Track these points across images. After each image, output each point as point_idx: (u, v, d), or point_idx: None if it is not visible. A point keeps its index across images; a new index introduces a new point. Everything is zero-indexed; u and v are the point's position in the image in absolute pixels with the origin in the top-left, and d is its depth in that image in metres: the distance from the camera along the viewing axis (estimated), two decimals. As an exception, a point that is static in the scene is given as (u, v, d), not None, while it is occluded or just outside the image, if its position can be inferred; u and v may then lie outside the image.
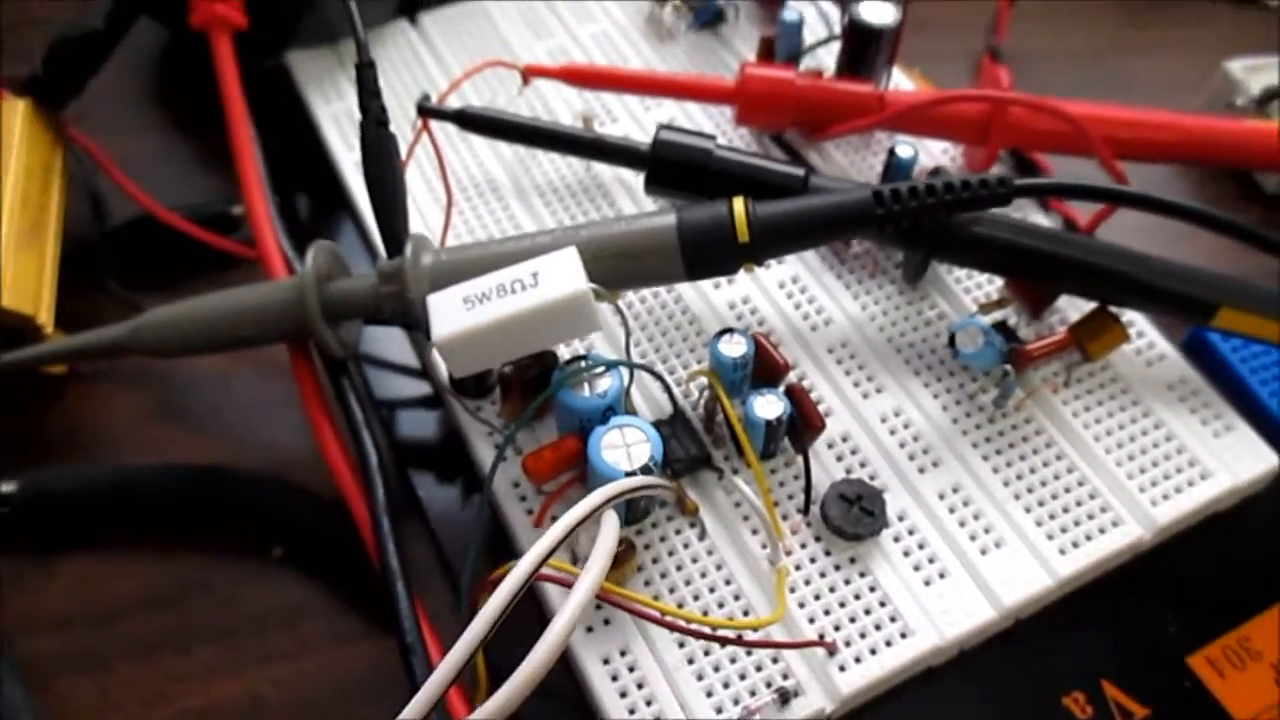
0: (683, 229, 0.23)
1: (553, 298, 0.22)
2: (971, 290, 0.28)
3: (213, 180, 0.34)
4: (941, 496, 0.25)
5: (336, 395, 0.25)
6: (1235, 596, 0.25)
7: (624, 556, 0.22)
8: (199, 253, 0.31)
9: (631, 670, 0.22)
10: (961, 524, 0.24)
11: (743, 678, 0.22)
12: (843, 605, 0.23)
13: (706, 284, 0.28)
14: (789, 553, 0.23)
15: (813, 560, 0.23)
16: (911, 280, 0.27)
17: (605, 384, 0.23)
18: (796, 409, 0.24)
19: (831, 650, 0.22)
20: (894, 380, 0.26)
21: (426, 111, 0.27)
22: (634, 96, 0.32)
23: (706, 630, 0.21)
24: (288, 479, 0.27)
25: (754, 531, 0.24)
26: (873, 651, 0.22)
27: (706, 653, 0.22)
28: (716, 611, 0.23)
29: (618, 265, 0.23)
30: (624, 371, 0.23)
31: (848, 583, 0.23)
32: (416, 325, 0.24)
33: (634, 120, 0.32)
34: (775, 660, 0.22)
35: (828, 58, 0.32)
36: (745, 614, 0.23)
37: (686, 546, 0.24)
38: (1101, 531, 0.24)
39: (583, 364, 0.23)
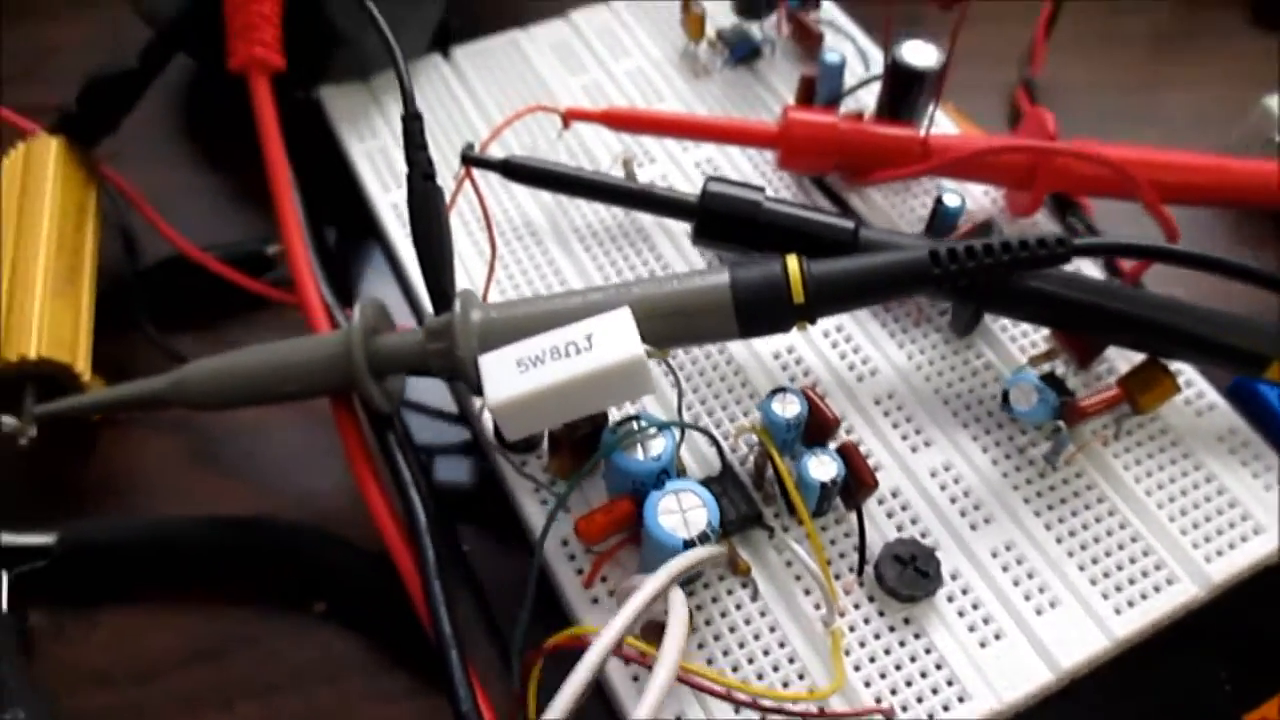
0: (737, 289, 0.23)
1: (608, 363, 0.21)
2: (1018, 339, 0.28)
3: (247, 215, 0.33)
4: (995, 555, 0.24)
5: (381, 450, 0.25)
6: (1290, 655, 0.25)
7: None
8: (234, 292, 0.31)
9: (688, 738, 0.22)
10: (1016, 583, 0.24)
11: (800, 746, 0.22)
12: (899, 668, 0.23)
13: (751, 333, 0.28)
14: (842, 614, 0.23)
15: (867, 621, 0.23)
16: (961, 333, 0.27)
17: (658, 446, 0.23)
18: (849, 468, 0.23)
19: (889, 718, 0.22)
20: (942, 433, 0.26)
21: (471, 161, 0.27)
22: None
23: (769, 704, 0.21)
24: (329, 530, 0.27)
25: (807, 592, 0.23)
26: (930, 717, 0.22)
27: (764, 720, 0.22)
28: (772, 675, 0.22)
29: (670, 324, 0.23)
30: (675, 431, 0.23)
31: (903, 645, 0.23)
32: (465, 381, 0.24)
33: (672, 160, 0.32)
34: (833, 727, 0.22)
35: (868, 96, 0.32)
36: (801, 678, 0.22)
37: (739, 608, 0.23)
38: (1156, 590, 0.24)
39: (635, 425, 0.23)
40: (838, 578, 0.24)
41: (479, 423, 0.27)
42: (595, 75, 0.34)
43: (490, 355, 0.22)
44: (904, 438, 0.26)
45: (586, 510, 0.23)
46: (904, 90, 0.30)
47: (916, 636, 0.23)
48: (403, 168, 0.26)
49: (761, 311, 0.23)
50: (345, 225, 0.32)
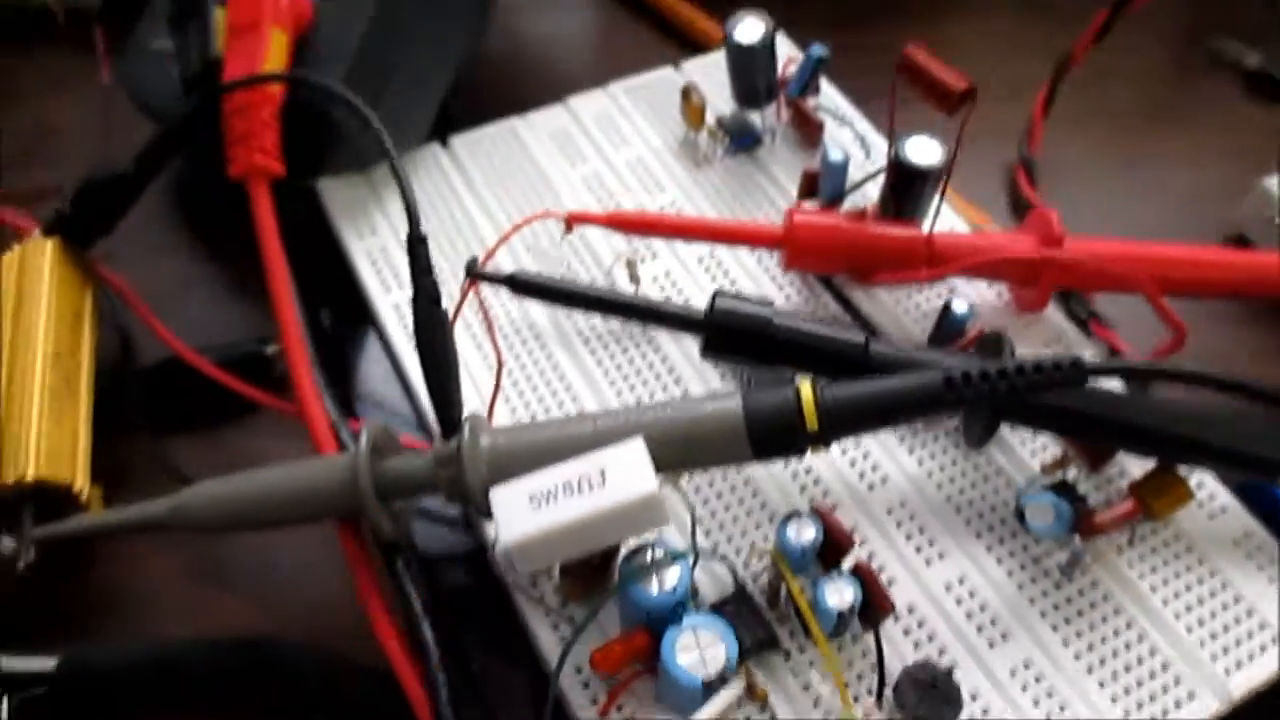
0: (749, 416, 0.22)
1: (623, 500, 0.21)
2: (1028, 442, 0.28)
3: (245, 307, 0.33)
4: (1013, 673, 0.24)
5: (390, 577, 0.24)
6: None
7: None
8: (234, 394, 0.30)
9: None
10: (1036, 703, 0.24)
11: None
12: (921, 798, 0.22)
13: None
14: (862, 741, 0.23)
15: (887, 749, 0.23)
16: (975, 444, 0.27)
17: (673, 577, 0.22)
18: (866, 591, 0.23)
19: None
20: (956, 544, 0.26)
21: (477, 276, 0.27)
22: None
23: None
24: (335, 647, 0.26)
25: (825, 717, 0.23)
26: None
27: None
28: (792, 810, 0.22)
29: (682, 452, 0.23)
30: (690, 557, 0.23)
31: (924, 773, 0.23)
32: (474, 507, 0.23)
33: (675, 256, 0.31)
34: None
35: (872, 186, 0.32)
36: (821, 811, 0.22)
37: (758, 737, 0.23)
38: (1177, 705, 0.24)
39: (649, 555, 0.22)
40: (856, 700, 0.24)
41: (489, 543, 0.26)
42: (595, 165, 0.34)
43: (502, 490, 0.22)
44: (918, 550, 0.26)
45: (599, 636, 0.23)
46: (907, 186, 0.29)
47: (938, 763, 0.23)
48: (404, 267, 0.25)
49: (775, 438, 0.23)
50: (341, 308, 0.32)
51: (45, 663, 0.26)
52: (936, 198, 0.29)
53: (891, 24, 0.43)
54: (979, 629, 0.25)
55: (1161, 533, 0.26)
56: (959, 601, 0.25)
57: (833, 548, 0.24)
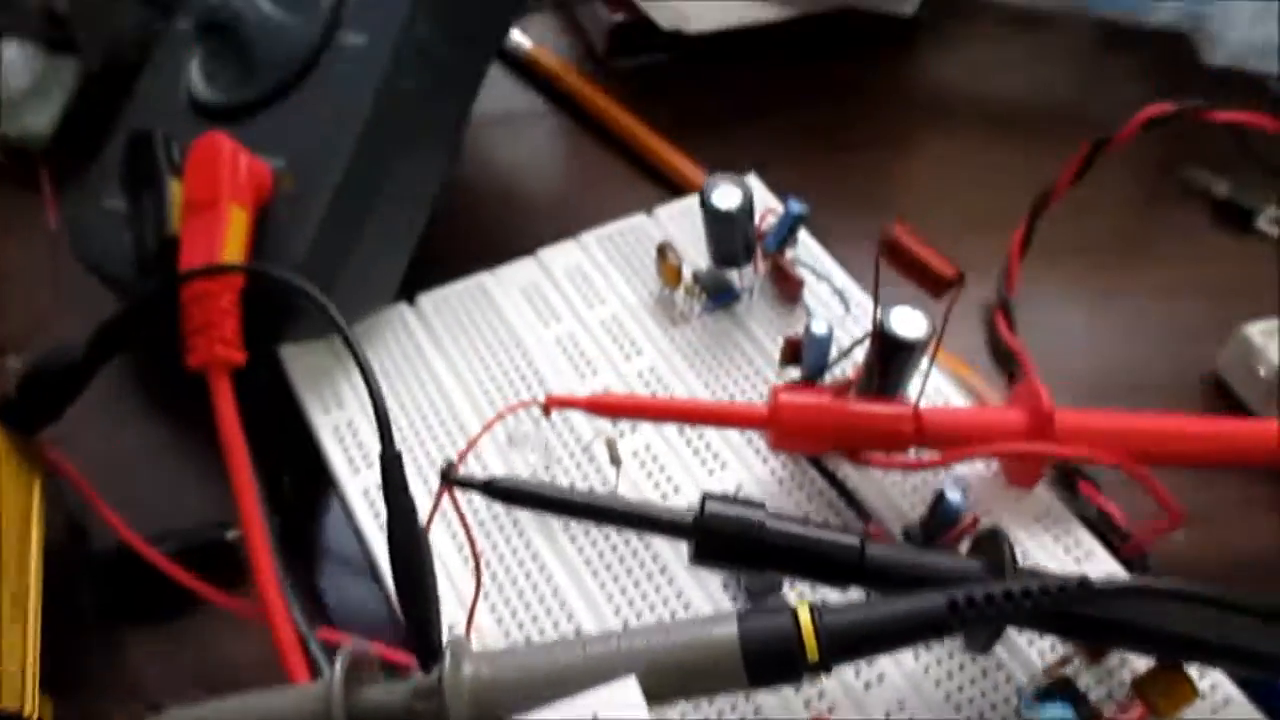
0: (746, 646, 0.21)
1: (618, 755, 0.20)
2: (1031, 635, 0.27)
3: (207, 488, 0.31)
4: None
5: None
6: None
7: None
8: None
9: None
10: None
11: None
12: None
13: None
14: None
15: None
16: (978, 650, 0.26)
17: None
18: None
19: None
20: (959, 750, 0.25)
21: (452, 482, 0.25)
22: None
23: None
24: None
25: None
26: None
27: None
28: None
29: (676, 681, 0.21)
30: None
31: None
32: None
33: (656, 429, 0.30)
34: None
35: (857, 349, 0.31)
36: None
37: None
38: None
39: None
40: None
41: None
42: (569, 325, 0.33)
43: (488, 738, 0.20)
44: (920, 758, 0.25)
45: None
46: (892, 357, 0.29)
47: None
48: (374, 445, 0.24)
49: (773, 669, 0.21)
50: (305, 472, 0.31)
51: None
52: (923, 369, 0.29)
53: (860, 145, 0.43)
54: None
55: (1167, 729, 0.26)
56: (965, 816, 0.24)
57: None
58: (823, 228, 0.36)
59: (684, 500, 0.29)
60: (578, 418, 0.30)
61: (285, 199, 0.30)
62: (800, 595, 0.27)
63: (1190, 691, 0.25)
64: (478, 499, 0.28)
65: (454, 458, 0.27)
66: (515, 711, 0.21)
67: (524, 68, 0.44)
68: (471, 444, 0.27)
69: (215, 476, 0.30)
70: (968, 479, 0.29)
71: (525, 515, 0.29)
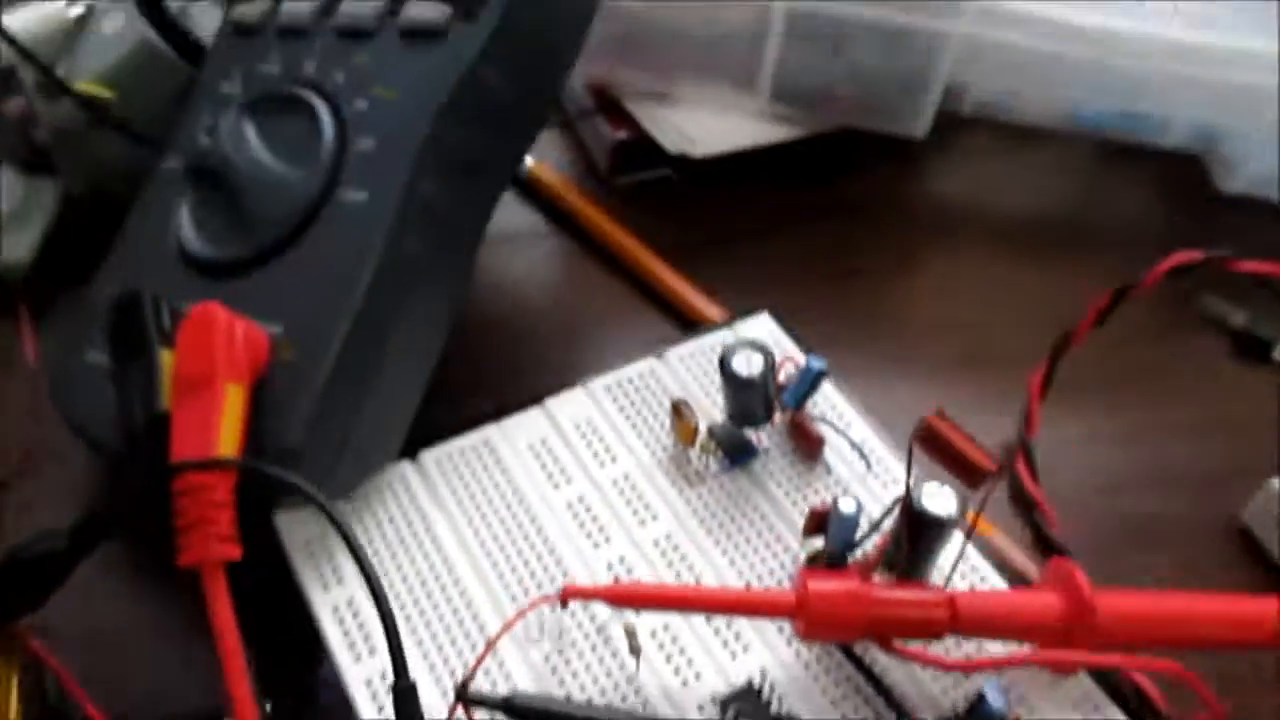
0: None
1: None
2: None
3: (194, 670, 0.29)
4: None
5: None
6: None
7: None
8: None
9: None
10: None
11: None
12: None
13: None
14: None
15: None
16: None
17: None
18: None
19: None
20: None
21: (470, 701, 0.24)
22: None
23: None
24: None
25: None
26: None
27: None
28: None
29: None
30: None
31: None
32: None
33: (681, 614, 0.29)
34: None
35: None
36: None
37: None
38: None
39: None
40: None
41: None
42: (579, 486, 0.31)
43: None
44: None
45: None
46: (922, 533, 0.28)
47: None
48: (377, 626, 0.23)
49: None
50: (299, 652, 0.29)
51: None
52: (957, 551, 0.27)
53: (866, 267, 0.42)
54: None
55: None
56: None
57: None
58: (830, 354, 0.34)
59: (706, 687, 0.28)
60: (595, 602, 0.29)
61: (283, 368, 0.28)
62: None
63: None
64: (484, 679, 0.27)
65: (463, 646, 0.25)
66: None
67: (524, 185, 0.43)
68: (485, 652, 0.25)
69: (206, 659, 0.28)
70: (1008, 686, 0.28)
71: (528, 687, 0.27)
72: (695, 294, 0.39)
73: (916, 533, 0.28)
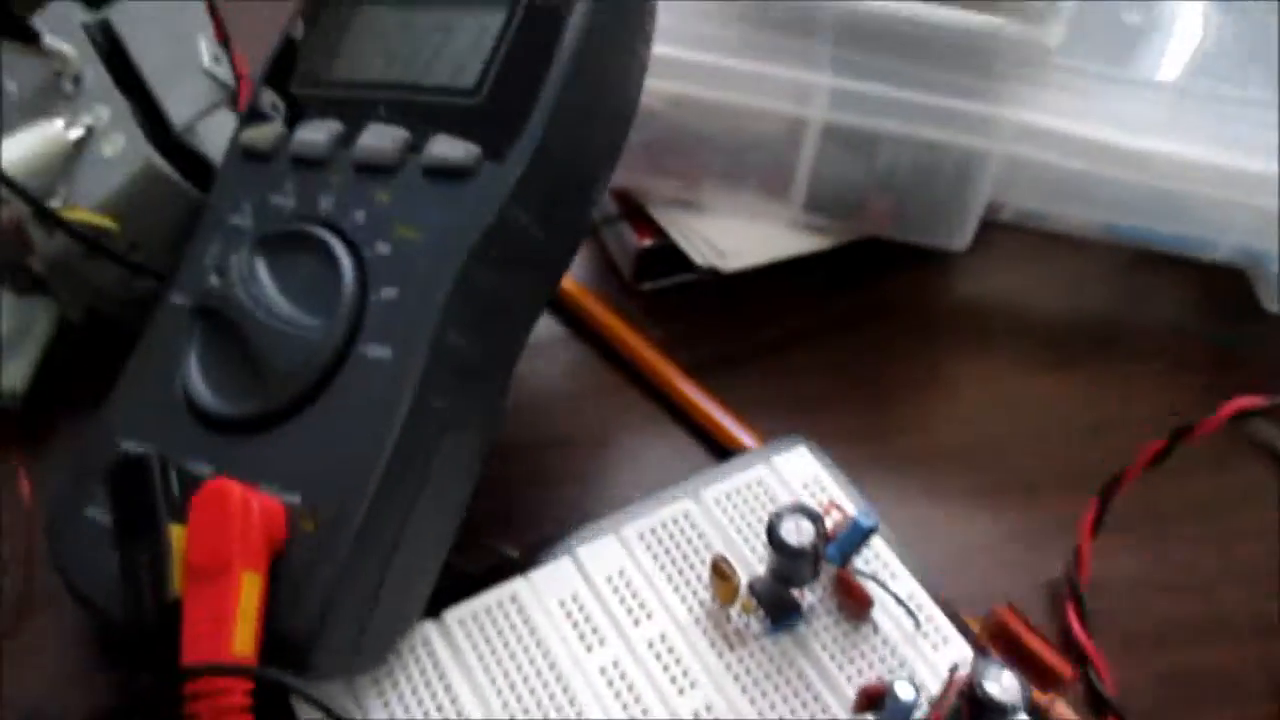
0: None
1: None
2: None
3: None
4: None
5: None
6: None
7: None
8: None
9: None
10: None
11: None
12: None
13: None
14: None
15: None
16: None
17: None
18: None
19: None
20: None
21: None
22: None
23: None
24: None
25: None
26: None
27: None
28: None
29: None
30: None
31: None
32: None
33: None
34: None
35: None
36: None
37: None
38: None
39: None
40: None
41: None
42: (614, 649, 0.29)
43: None
44: None
45: None
46: (984, 718, 0.26)
47: None
48: None
49: None
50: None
51: None
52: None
53: (899, 379, 0.40)
54: None
55: None
56: None
57: None
58: (861, 478, 0.33)
59: None
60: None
61: (301, 542, 0.26)
62: None
63: None
64: None
65: None
66: None
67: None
68: None
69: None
70: None
71: None
72: (725, 416, 0.37)
73: (977, 716, 0.26)
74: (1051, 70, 0.37)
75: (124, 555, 0.26)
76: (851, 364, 0.40)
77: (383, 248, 0.29)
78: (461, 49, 0.31)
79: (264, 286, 0.29)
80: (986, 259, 0.41)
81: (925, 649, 0.30)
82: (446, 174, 0.29)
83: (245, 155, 0.32)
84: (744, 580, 0.30)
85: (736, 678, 0.29)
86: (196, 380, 0.29)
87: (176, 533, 0.26)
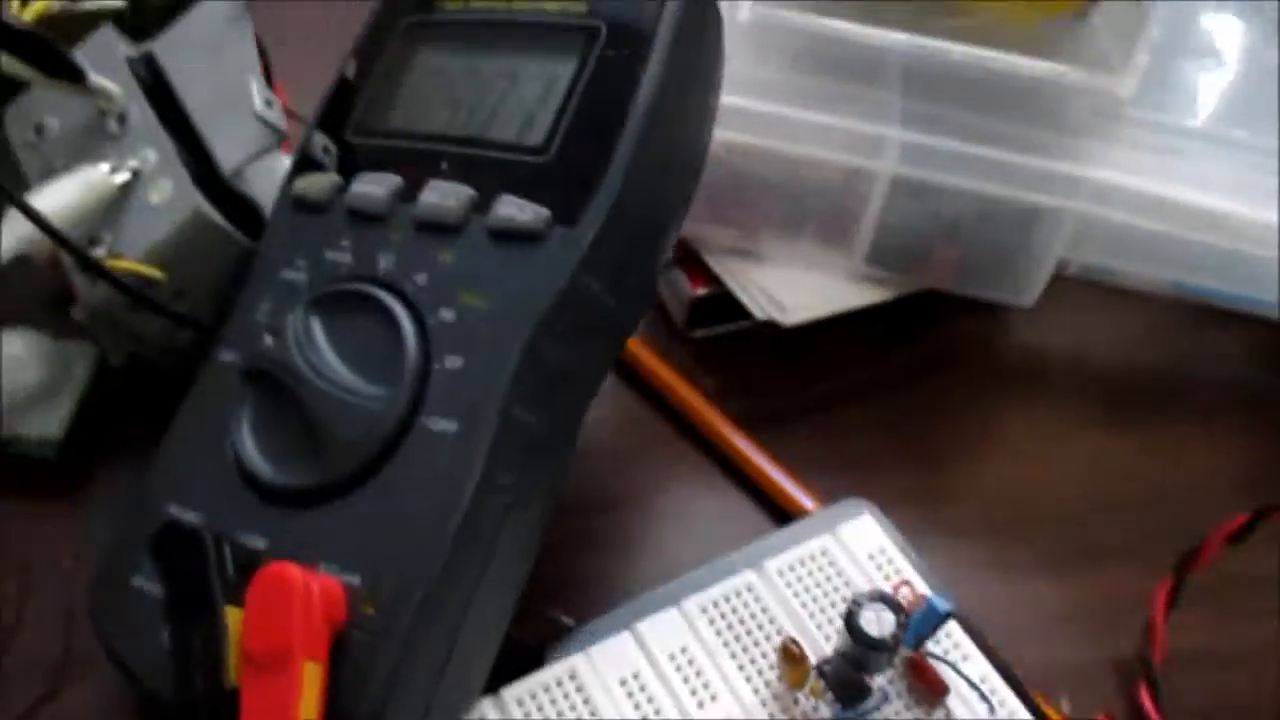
0: None
1: None
2: None
3: None
4: None
5: None
6: None
7: None
8: None
9: None
10: None
11: None
12: None
13: None
14: None
15: None
16: None
17: None
18: None
19: None
20: None
21: None
22: None
23: None
24: None
25: None
26: None
27: None
28: None
29: None
30: None
31: None
32: None
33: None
34: None
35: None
36: None
37: None
38: None
39: None
40: None
41: None
42: (677, 733, 0.28)
43: None
44: None
45: None
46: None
47: None
48: None
49: None
50: None
51: None
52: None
53: (955, 435, 0.39)
54: None
55: None
56: None
57: None
58: (919, 544, 0.32)
59: None
60: None
61: (362, 625, 0.25)
62: None
63: None
64: None
65: None
66: None
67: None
68: None
69: None
70: None
71: None
72: (783, 475, 0.36)
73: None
74: (1125, 124, 0.36)
75: (176, 636, 0.25)
76: (906, 420, 0.39)
77: (447, 314, 0.27)
78: (528, 101, 0.29)
79: (321, 350, 0.28)
80: (1047, 312, 0.39)
81: (998, 735, 0.29)
82: (514, 237, 0.27)
83: (297, 205, 0.31)
84: (811, 658, 0.29)
85: (805, 764, 0.28)
86: (249, 447, 0.28)
87: (233, 615, 0.25)
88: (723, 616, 0.31)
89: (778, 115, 0.35)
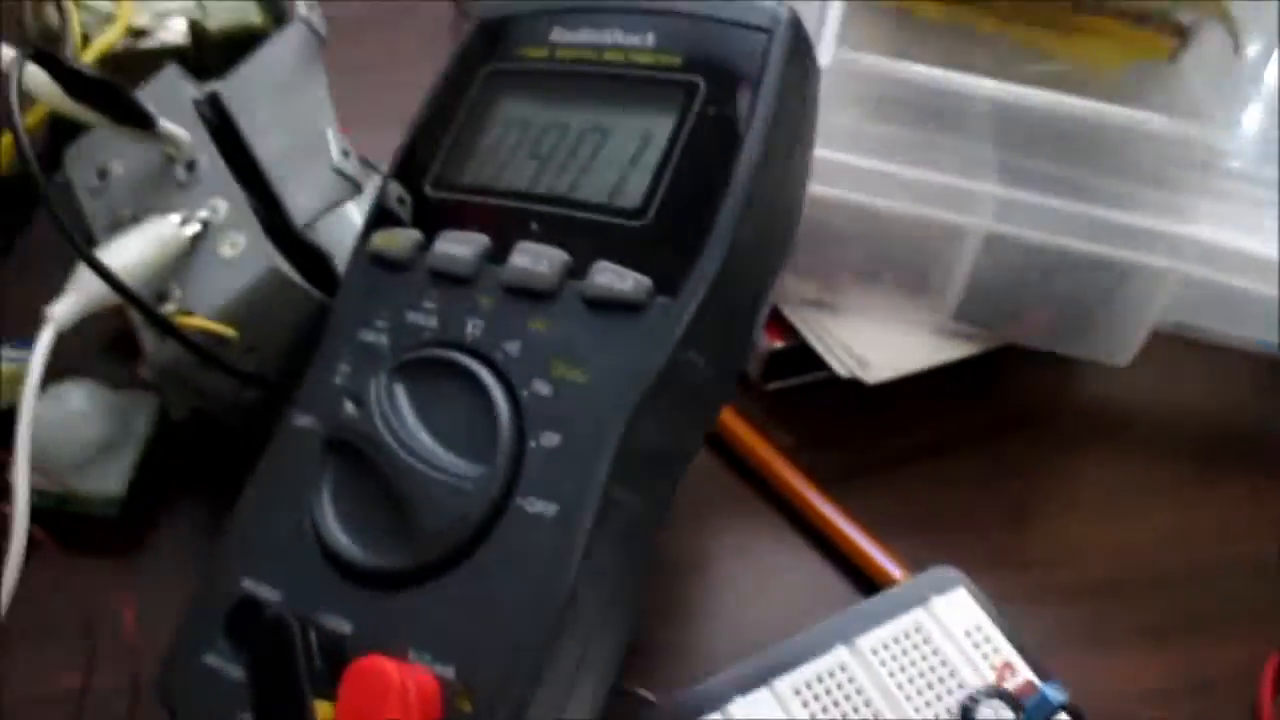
0: None
1: None
2: None
3: None
4: None
5: None
6: None
7: None
8: None
9: None
10: None
11: None
12: None
13: None
14: None
15: None
16: None
17: None
18: None
19: None
20: None
21: None
22: None
23: None
24: None
25: None
26: None
27: None
28: None
29: None
30: None
31: None
32: None
33: None
34: None
35: None
36: None
37: None
38: None
39: None
40: None
41: None
42: (775, 826, 0.27)
43: None
44: None
45: None
46: None
47: None
48: None
49: None
50: None
51: None
52: None
53: (1036, 495, 0.38)
54: None
55: None
56: None
57: None
58: (1009, 610, 0.31)
59: None
60: None
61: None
62: None
63: None
64: None
65: None
66: None
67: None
68: None
69: None
70: None
71: None
72: (869, 543, 0.34)
73: None
74: (1225, 178, 0.35)
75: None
76: (989, 477, 0.37)
77: (541, 387, 0.26)
78: (621, 159, 0.28)
79: (407, 422, 0.26)
80: (1135, 364, 0.38)
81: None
82: (613, 306, 0.26)
83: (374, 261, 0.30)
84: (910, 748, 0.28)
85: None
86: (331, 523, 0.26)
87: (322, 711, 0.23)
88: (817, 699, 0.29)
89: (864, 168, 0.34)
